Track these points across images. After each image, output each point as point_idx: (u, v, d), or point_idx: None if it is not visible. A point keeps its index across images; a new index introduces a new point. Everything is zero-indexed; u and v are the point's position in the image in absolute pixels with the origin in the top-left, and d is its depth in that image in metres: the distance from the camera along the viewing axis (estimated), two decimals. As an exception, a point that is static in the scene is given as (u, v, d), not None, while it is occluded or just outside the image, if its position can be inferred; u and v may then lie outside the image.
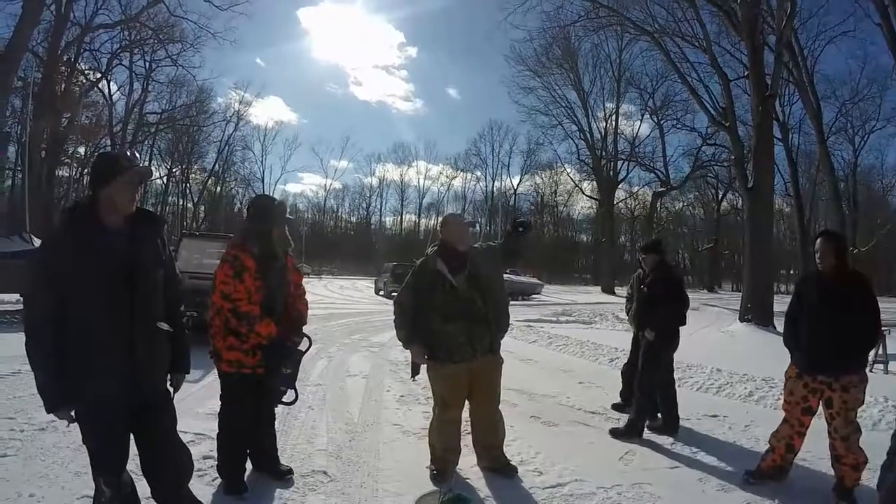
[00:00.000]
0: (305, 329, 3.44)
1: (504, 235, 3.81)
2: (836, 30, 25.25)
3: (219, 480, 3.30)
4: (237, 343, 3.13)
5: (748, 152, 14.58)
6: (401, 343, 3.68)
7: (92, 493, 2.42)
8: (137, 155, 2.45)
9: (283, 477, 3.40)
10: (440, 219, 3.95)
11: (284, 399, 3.37)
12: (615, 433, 4.62)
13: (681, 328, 4.83)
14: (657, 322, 4.67)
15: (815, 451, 3.92)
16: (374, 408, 5.21)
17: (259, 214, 3.29)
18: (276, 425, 3.57)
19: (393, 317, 3.65)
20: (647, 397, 4.66)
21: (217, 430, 3.30)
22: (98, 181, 2.26)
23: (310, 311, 3.58)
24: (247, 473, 3.34)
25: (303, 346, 3.37)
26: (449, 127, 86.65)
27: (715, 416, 5.40)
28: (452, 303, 3.47)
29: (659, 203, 43.02)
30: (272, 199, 3.46)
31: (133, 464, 2.42)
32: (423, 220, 63.40)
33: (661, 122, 39.62)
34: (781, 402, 3.79)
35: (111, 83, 36.59)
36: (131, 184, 2.29)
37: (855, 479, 3.41)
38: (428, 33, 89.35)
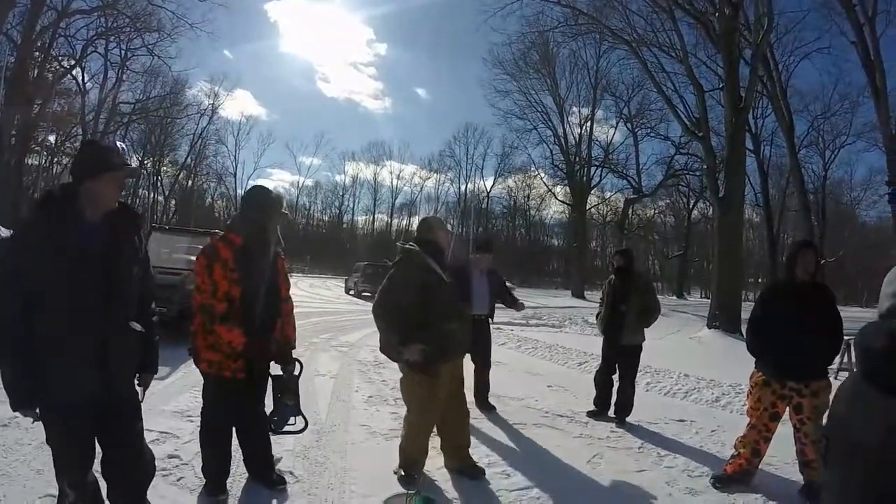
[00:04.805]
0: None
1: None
2: (811, 46, 26.05)
3: (183, 480, 3.23)
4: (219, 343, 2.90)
5: (720, 162, 14.92)
6: (396, 346, 3.40)
7: (54, 491, 2.34)
8: (126, 148, 2.30)
9: (275, 487, 3.21)
10: (426, 219, 3.76)
11: (293, 428, 3.19)
12: None
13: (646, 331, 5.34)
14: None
15: (780, 456, 3.99)
16: (341, 408, 5.13)
17: (253, 205, 3.04)
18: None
19: (376, 322, 3.46)
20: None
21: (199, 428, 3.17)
22: (85, 172, 2.11)
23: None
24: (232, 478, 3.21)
25: (296, 371, 3.21)
26: (418, 127, 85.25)
27: (682, 420, 5.46)
28: (448, 300, 3.42)
29: (631, 210, 43.27)
30: (268, 189, 3.18)
31: (95, 462, 2.32)
32: (395, 221, 62.85)
33: (636, 129, 39.93)
34: (747, 407, 3.83)
35: (85, 71, 35.23)
36: (119, 181, 2.19)
37: None
38: (398, 30, 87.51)
